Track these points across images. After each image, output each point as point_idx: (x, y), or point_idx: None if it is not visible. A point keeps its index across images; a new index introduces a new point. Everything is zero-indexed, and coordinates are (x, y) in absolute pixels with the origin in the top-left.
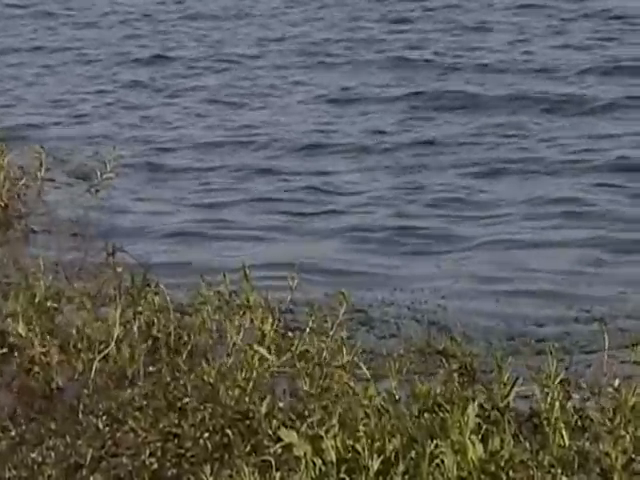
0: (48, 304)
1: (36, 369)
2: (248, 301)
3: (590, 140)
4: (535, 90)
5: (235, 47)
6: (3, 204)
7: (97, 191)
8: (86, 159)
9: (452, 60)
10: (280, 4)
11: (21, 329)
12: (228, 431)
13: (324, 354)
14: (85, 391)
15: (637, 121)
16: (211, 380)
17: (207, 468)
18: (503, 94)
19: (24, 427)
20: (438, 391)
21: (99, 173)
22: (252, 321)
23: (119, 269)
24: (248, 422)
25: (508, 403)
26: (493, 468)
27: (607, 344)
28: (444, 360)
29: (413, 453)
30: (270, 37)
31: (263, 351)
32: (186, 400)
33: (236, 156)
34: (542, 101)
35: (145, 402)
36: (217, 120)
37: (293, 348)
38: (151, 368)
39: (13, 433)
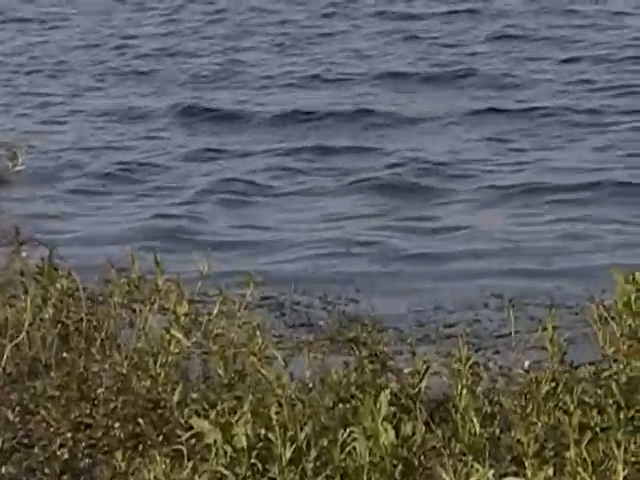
0: None
1: None
2: (157, 286)
3: None
4: None
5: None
6: None
7: (8, 181)
8: None
9: None
10: None
11: None
12: (140, 420)
13: (235, 337)
14: None
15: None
16: (123, 370)
17: (119, 457)
18: None
19: None
20: (350, 379)
21: (10, 164)
22: (163, 306)
23: (28, 256)
24: (160, 411)
25: (420, 390)
26: (405, 453)
27: (515, 328)
28: (355, 348)
29: (325, 440)
30: None
31: (178, 334)
32: (99, 390)
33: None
34: None
35: (57, 392)
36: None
37: (206, 331)
38: (65, 355)
39: None
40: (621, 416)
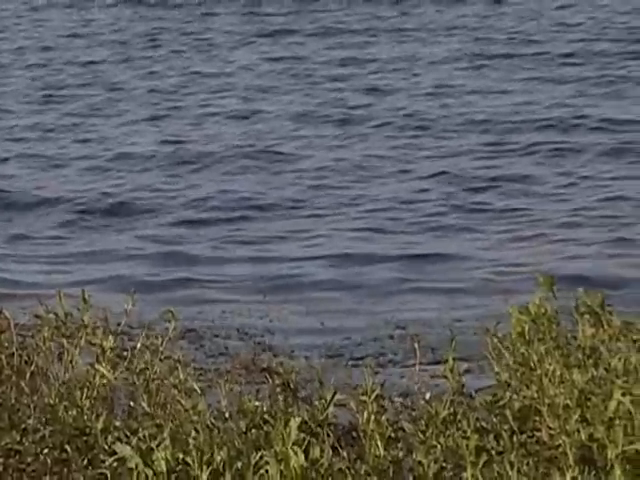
0: None
1: None
2: (84, 321)
3: None
4: None
5: None
6: None
7: None
8: None
9: None
10: None
11: None
12: (67, 447)
13: (157, 370)
14: None
15: None
16: (52, 401)
17: None
18: None
19: None
20: (263, 407)
21: None
22: (89, 341)
23: None
24: (86, 438)
25: (327, 416)
26: (314, 475)
27: (419, 359)
28: (268, 376)
29: (239, 464)
30: None
31: (102, 369)
32: (29, 420)
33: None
34: None
35: None
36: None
37: (131, 364)
38: None
39: None
40: (514, 440)
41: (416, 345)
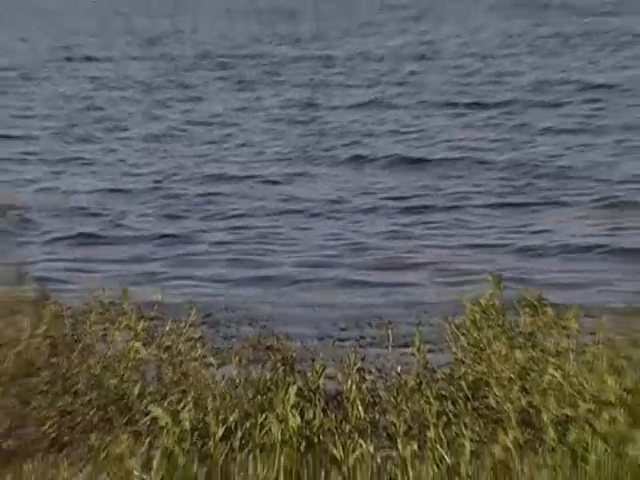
0: None
1: None
2: (123, 309)
3: None
4: None
5: None
6: None
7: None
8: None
9: None
10: None
11: None
12: (109, 408)
13: (181, 348)
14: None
15: None
16: (97, 371)
17: (93, 436)
18: None
19: None
20: (267, 377)
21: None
22: (127, 324)
23: (27, 287)
24: (125, 401)
25: (319, 385)
26: (308, 433)
27: (391, 341)
28: (271, 353)
29: (248, 423)
30: None
31: (138, 344)
32: (78, 386)
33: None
34: None
35: (46, 387)
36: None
37: (160, 343)
38: (52, 359)
39: None
40: (468, 406)
41: (389, 330)
